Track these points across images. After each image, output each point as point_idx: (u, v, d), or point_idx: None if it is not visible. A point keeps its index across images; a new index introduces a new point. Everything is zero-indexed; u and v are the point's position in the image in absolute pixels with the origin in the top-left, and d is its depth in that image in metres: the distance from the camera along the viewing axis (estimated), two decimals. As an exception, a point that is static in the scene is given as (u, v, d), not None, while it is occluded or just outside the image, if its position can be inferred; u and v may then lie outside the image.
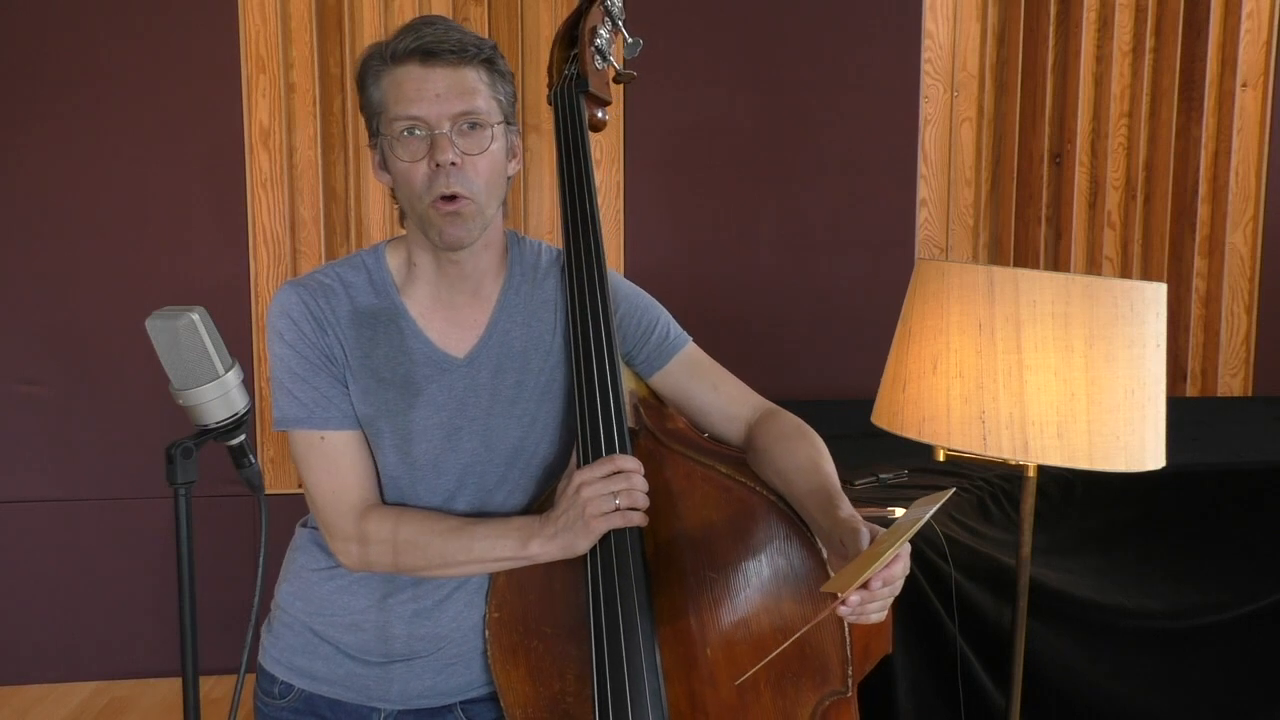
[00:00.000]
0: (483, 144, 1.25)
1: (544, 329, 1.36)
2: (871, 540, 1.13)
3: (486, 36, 1.43)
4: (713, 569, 1.27)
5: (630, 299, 1.43)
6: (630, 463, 1.23)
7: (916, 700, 1.96)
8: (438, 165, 1.22)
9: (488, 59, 1.26)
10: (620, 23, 1.50)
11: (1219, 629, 2.18)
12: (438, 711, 1.36)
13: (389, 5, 3.05)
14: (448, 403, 1.31)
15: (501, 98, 1.28)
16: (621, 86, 3.13)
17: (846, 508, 1.20)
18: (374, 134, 1.29)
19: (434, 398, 1.30)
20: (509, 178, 1.32)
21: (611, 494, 1.21)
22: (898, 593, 1.13)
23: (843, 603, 1.07)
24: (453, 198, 1.23)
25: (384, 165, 1.29)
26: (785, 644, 1.16)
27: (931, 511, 1.12)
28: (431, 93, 1.22)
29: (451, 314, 1.33)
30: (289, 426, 1.28)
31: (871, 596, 1.09)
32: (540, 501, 1.35)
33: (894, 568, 1.11)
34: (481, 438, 1.32)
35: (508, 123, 1.29)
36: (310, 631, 1.36)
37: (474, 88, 1.24)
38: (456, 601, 1.33)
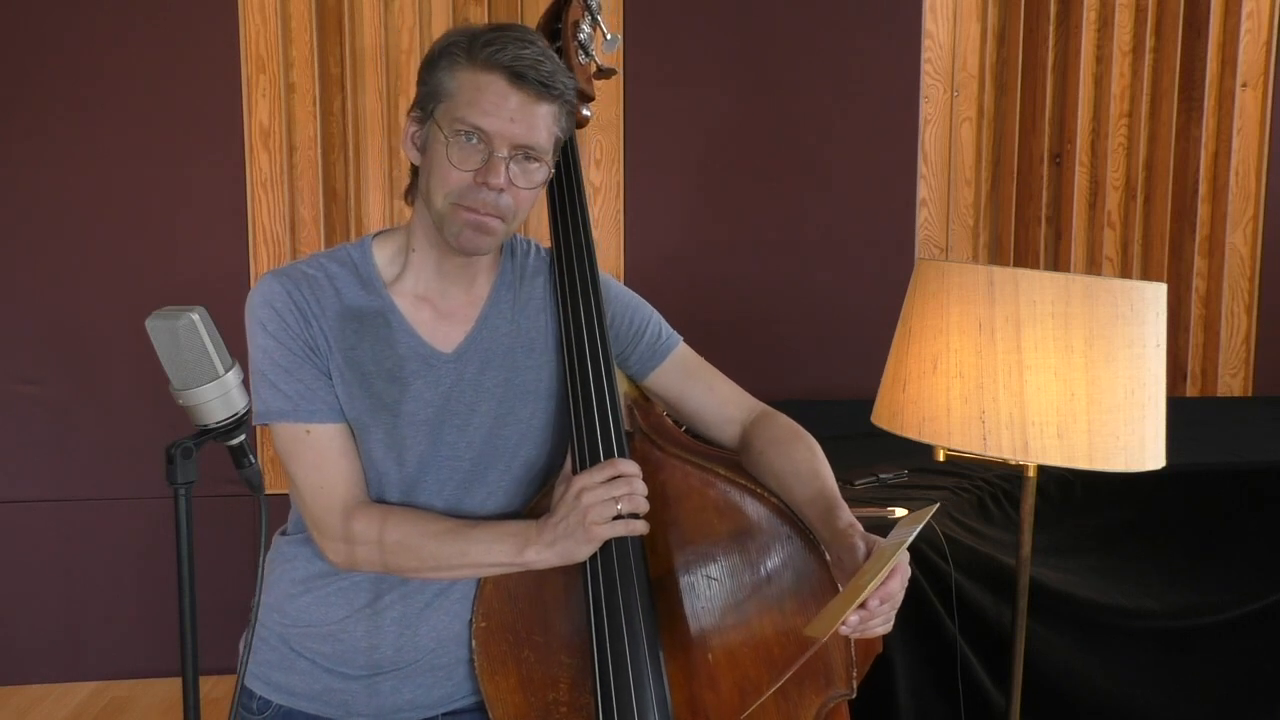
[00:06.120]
0: (533, 180, 1.24)
1: (532, 327, 1.35)
2: (868, 553, 1.13)
3: None
4: (714, 572, 1.26)
5: (620, 299, 1.41)
6: (630, 467, 1.22)
7: (916, 700, 1.96)
8: (485, 184, 1.20)
9: (567, 99, 1.24)
10: (599, 17, 1.49)
11: (1219, 629, 2.18)
12: None
13: (389, 5, 3.05)
14: (434, 398, 1.29)
15: (560, 134, 1.26)
16: (622, 86, 3.13)
17: (845, 516, 1.19)
18: (424, 110, 1.25)
19: (420, 393, 1.28)
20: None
21: (613, 499, 1.19)
22: (899, 605, 1.13)
23: (825, 640, 1.06)
24: (486, 213, 1.22)
25: (420, 143, 1.26)
26: (766, 693, 1.14)
27: (915, 533, 1.11)
28: (506, 114, 1.20)
29: (441, 308, 1.31)
30: (273, 420, 1.25)
31: (871, 615, 1.08)
32: (533, 505, 1.33)
33: (891, 584, 1.10)
34: (465, 435, 1.30)
35: (554, 156, 1.27)
36: (286, 645, 1.34)
37: (544, 123, 1.22)
38: (438, 611, 1.31)
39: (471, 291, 1.33)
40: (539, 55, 1.21)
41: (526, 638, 1.30)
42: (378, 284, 1.29)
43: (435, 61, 1.24)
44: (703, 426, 1.42)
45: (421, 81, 1.26)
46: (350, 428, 1.28)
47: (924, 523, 1.13)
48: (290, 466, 1.27)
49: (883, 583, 1.08)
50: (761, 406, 1.41)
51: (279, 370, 1.24)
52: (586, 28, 1.47)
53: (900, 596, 1.12)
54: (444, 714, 1.35)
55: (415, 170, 1.29)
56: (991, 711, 2.01)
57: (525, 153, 1.22)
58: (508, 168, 1.21)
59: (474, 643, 1.31)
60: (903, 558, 1.11)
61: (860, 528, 1.18)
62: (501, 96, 1.19)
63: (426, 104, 1.24)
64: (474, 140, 1.20)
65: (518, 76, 1.19)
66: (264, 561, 1.12)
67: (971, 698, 1.99)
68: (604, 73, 1.51)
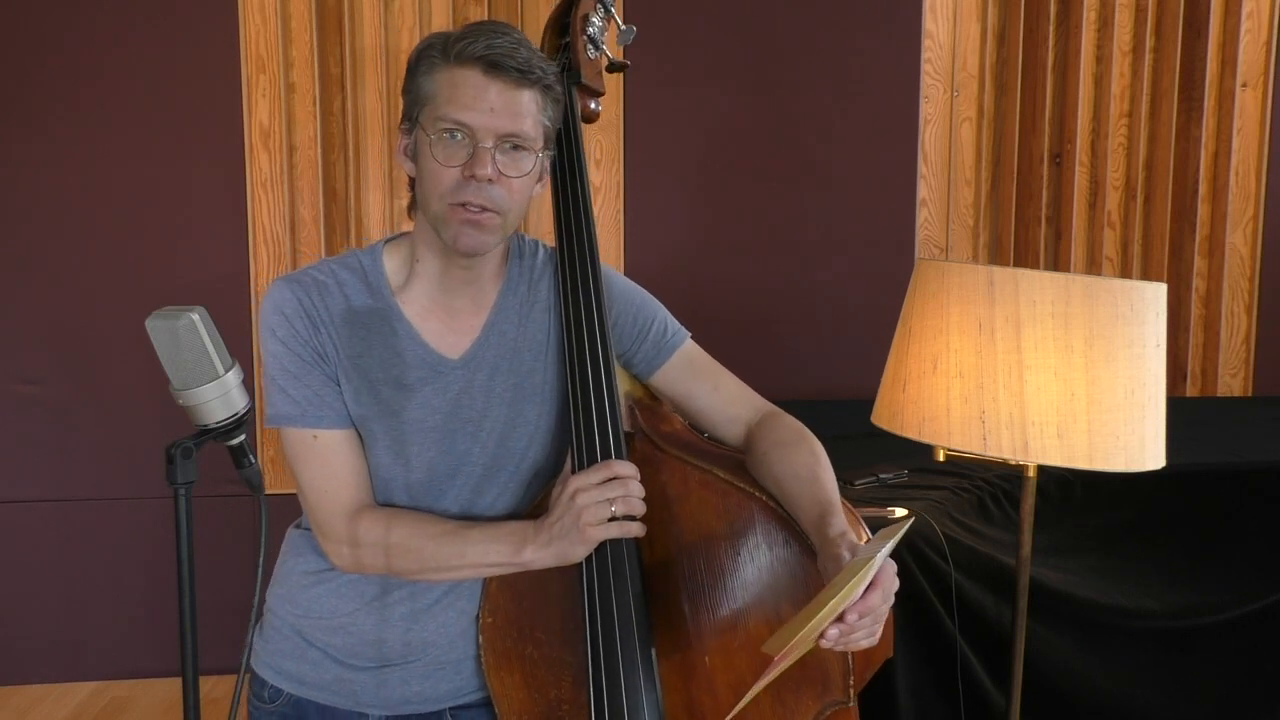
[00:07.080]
0: (522, 168, 1.23)
1: (538, 330, 1.35)
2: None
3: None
4: (710, 575, 1.25)
5: (626, 295, 1.41)
6: (626, 468, 1.21)
7: (917, 700, 1.96)
8: (473, 177, 1.20)
9: (548, 85, 1.24)
10: (612, 10, 1.48)
11: (1219, 629, 2.18)
12: (427, 717, 1.35)
13: (389, 5, 3.05)
14: (442, 405, 1.29)
15: (548, 123, 1.26)
16: (622, 86, 3.13)
17: (837, 524, 1.17)
18: (410, 120, 1.25)
19: (428, 400, 1.28)
20: (532, 197, 1.30)
21: (607, 501, 1.19)
22: (884, 617, 1.10)
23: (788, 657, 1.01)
24: (479, 209, 1.21)
25: (410, 152, 1.27)
26: (739, 704, 1.10)
27: (887, 549, 1.08)
28: (486, 105, 1.19)
29: (448, 315, 1.31)
30: (281, 424, 1.26)
31: (851, 629, 1.05)
32: (534, 506, 1.33)
33: (871, 598, 1.06)
34: (478, 441, 1.30)
35: (546, 147, 1.27)
36: (299, 635, 1.35)
37: (527, 110, 1.22)
38: (447, 606, 1.32)
39: (478, 298, 1.33)
40: (513, 44, 1.21)
41: (530, 634, 1.30)
42: (385, 291, 1.30)
43: (414, 68, 1.25)
44: (708, 426, 1.42)
45: (405, 91, 1.27)
46: (357, 433, 1.28)
47: (897, 538, 1.10)
48: (297, 470, 1.28)
49: (862, 596, 1.05)
50: (768, 407, 1.41)
51: (288, 376, 1.26)
52: (598, 21, 1.45)
53: (883, 610, 1.09)
54: (451, 708, 1.36)
55: (413, 182, 1.29)
56: (991, 711, 2.01)
57: (511, 142, 1.22)
58: (494, 158, 1.20)
59: (480, 638, 1.31)
60: (887, 570, 1.09)
61: (851, 538, 1.15)
62: (480, 88, 1.20)
63: (411, 112, 1.25)
64: (458, 136, 1.20)
65: (493, 66, 1.19)
66: (263, 562, 1.12)
67: (971, 698, 1.99)
68: (616, 66, 1.49)
